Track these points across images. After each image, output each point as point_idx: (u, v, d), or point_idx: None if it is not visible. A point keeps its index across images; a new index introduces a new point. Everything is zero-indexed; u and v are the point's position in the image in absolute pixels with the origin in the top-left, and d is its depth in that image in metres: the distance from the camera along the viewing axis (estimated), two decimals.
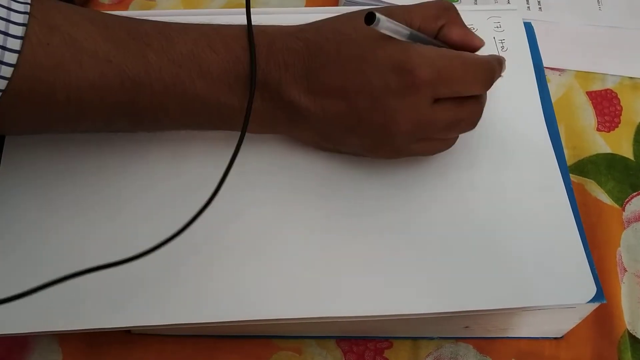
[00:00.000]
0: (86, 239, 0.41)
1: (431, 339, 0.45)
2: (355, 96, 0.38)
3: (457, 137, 0.43)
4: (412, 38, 0.38)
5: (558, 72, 0.59)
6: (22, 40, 0.33)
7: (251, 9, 0.40)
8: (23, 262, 0.40)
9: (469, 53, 0.41)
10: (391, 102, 0.38)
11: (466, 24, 0.50)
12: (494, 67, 0.40)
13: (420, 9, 0.41)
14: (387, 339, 0.45)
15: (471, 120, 0.41)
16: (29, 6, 0.34)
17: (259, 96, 0.39)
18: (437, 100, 0.39)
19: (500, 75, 0.42)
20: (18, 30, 0.33)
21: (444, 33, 0.41)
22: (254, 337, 0.45)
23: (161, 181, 0.43)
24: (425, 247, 0.41)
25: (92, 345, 0.44)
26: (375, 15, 0.35)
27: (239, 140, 0.38)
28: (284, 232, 0.41)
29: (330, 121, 0.40)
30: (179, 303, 0.39)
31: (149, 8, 0.63)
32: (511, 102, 0.47)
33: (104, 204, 0.42)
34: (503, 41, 0.50)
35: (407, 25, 0.39)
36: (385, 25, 0.36)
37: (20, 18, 0.33)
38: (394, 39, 0.38)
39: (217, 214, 0.41)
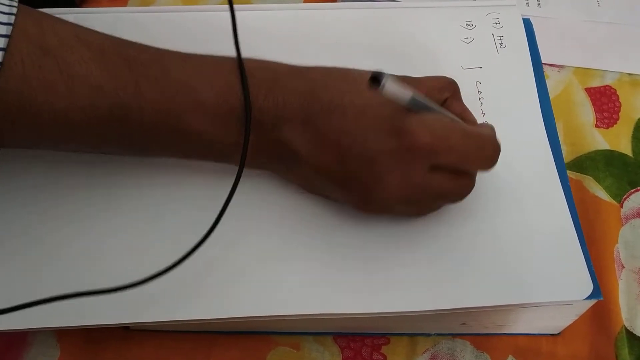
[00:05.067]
0: (84, 246, 0.41)
1: (428, 335, 0.46)
2: (347, 151, 0.37)
3: (442, 205, 0.42)
4: (414, 104, 0.37)
5: (557, 69, 0.59)
6: (10, 26, 0.33)
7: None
8: (19, 268, 0.40)
9: (473, 127, 0.40)
10: (383, 165, 0.37)
11: (465, 20, 0.51)
12: (498, 144, 0.39)
13: (428, 80, 0.41)
14: (384, 335, 0.46)
15: (462, 194, 0.40)
16: (15, 8, 0.34)
17: (252, 132, 0.38)
18: (433, 168, 0.38)
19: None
20: (4, 18, 0.33)
21: (447, 104, 0.41)
22: (252, 333, 0.45)
23: (161, 193, 0.42)
24: (422, 243, 0.41)
25: (90, 341, 0.44)
26: (381, 76, 0.33)
27: (235, 178, 0.37)
28: (282, 230, 0.41)
29: (319, 171, 0.39)
30: (177, 299, 0.39)
31: (148, 4, 0.62)
32: (509, 98, 0.47)
33: (101, 215, 0.41)
34: (502, 37, 0.50)
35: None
36: (391, 87, 0.35)
37: (4, 18, 0.33)
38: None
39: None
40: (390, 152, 0.37)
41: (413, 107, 0.37)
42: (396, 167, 0.37)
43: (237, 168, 0.38)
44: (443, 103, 0.41)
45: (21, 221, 0.41)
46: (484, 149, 0.39)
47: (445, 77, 0.42)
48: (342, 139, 0.37)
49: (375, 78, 0.34)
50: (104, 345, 0.44)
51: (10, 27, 0.33)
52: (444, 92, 0.41)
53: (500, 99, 0.47)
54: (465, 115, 0.42)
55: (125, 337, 0.44)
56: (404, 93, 0.36)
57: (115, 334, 0.44)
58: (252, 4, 0.61)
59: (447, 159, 0.37)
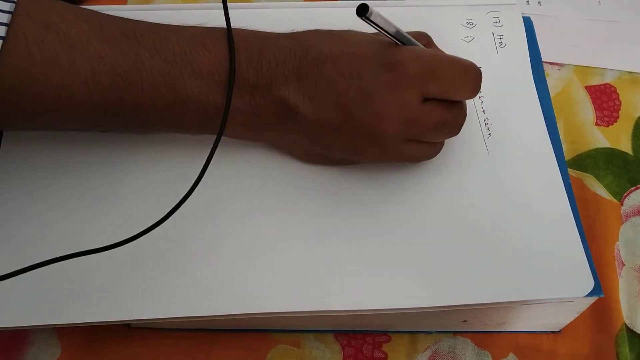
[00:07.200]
0: (79, 233, 0.41)
1: (429, 333, 0.46)
2: (344, 93, 0.38)
3: (443, 144, 0.43)
4: (399, 36, 0.39)
5: (557, 67, 0.59)
6: (13, 4, 0.33)
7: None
8: (15, 255, 0.40)
9: (456, 56, 0.41)
10: (380, 98, 0.38)
11: (465, 19, 0.51)
12: (480, 72, 0.41)
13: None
14: (385, 333, 0.46)
15: (456, 124, 0.41)
16: None
17: (248, 96, 0.39)
18: (425, 101, 0.39)
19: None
20: (5, 6, 0.33)
21: None
22: (253, 331, 0.45)
23: (157, 177, 0.43)
24: (424, 241, 0.41)
25: (91, 339, 0.44)
26: (368, 6, 0.35)
27: (219, 131, 0.38)
28: (282, 226, 0.41)
29: (319, 121, 0.39)
30: (178, 296, 0.39)
31: (148, 2, 0.62)
32: (509, 96, 0.47)
33: (98, 199, 0.42)
34: (502, 36, 0.50)
35: None
36: (377, 18, 0.36)
37: (6, 6, 0.33)
38: (385, 39, 0.39)
39: (216, 208, 0.41)
40: (385, 85, 0.38)
41: (399, 40, 0.39)
42: (392, 99, 0.38)
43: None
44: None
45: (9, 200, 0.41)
46: (468, 74, 0.40)
47: (418, 31, 0.44)
48: (338, 84, 0.39)
49: (362, 8, 0.35)
50: (105, 343, 0.44)
51: (14, 5, 0.34)
52: (422, 41, 0.43)
53: (501, 98, 0.47)
54: None
55: (127, 335, 0.44)
56: (390, 24, 0.38)
57: (117, 332, 0.44)
58: (252, 2, 0.61)
59: (437, 86, 0.39)
